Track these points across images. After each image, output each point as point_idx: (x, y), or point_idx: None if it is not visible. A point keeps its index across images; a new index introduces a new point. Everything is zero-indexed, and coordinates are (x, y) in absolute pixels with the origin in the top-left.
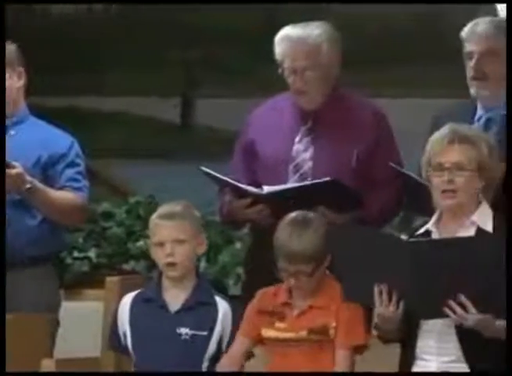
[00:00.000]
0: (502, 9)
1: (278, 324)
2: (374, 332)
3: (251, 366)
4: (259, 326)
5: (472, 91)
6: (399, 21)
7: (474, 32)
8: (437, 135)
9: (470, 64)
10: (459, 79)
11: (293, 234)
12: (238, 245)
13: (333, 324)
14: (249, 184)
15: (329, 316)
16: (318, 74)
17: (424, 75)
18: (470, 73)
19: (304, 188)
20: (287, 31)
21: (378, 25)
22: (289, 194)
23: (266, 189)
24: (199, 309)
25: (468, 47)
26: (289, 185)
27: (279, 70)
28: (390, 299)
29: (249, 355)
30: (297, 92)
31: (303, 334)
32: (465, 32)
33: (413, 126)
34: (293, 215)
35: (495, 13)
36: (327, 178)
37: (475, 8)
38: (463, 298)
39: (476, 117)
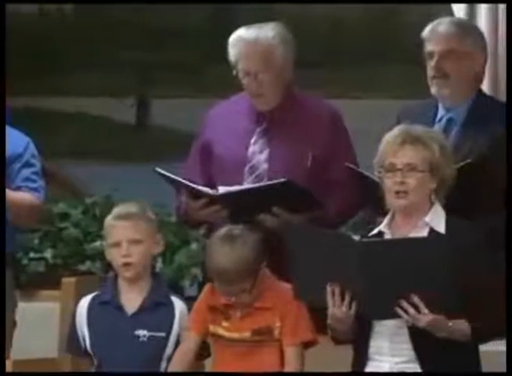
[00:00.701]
0: (457, 8)
1: (224, 323)
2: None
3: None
4: (208, 321)
5: (433, 90)
6: (353, 22)
7: (435, 32)
8: (389, 135)
9: (431, 64)
10: (413, 79)
11: (222, 255)
12: (194, 246)
13: (278, 324)
14: (205, 185)
15: (273, 317)
16: (272, 76)
17: (379, 75)
18: (430, 72)
19: (259, 189)
20: (241, 33)
21: (331, 26)
22: (244, 195)
23: (221, 189)
24: (155, 310)
25: (429, 47)
26: (244, 186)
27: (234, 72)
28: (342, 300)
29: (206, 354)
30: (252, 94)
31: (246, 335)
32: (426, 32)
33: (370, 126)
34: (219, 233)
35: (450, 13)
36: (281, 180)
37: (429, 8)
38: (415, 299)
39: (437, 118)
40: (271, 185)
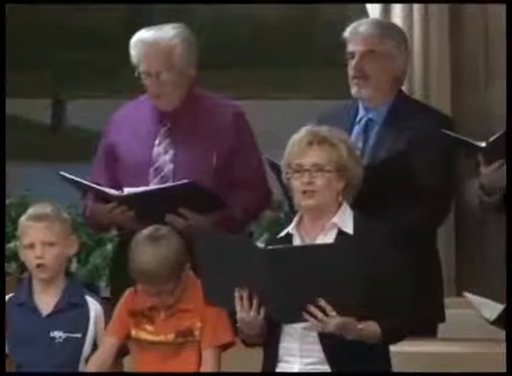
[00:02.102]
0: (372, 8)
1: (147, 326)
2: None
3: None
4: (129, 326)
5: (353, 91)
6: (271, 22)
7: (356, 32)
8: (296, 136)
9: (352, 64)
10: (332, 80)
11: (147, 255)
12: (109, 247)
13: (198, 325)
14: (110, 187)
15: (195, 318)
16: (173, 76)
17: (297, 76)
18: (351, 73)
19: (164, 190)
20: (141, 34)
21: (248, 26)
22: (150, 196)
23: (126, 190)
24: (71, 311)
25: (350, 47)
26: (148, 187)
27: (136, 73)
28: (251, 304)
29: (124, 353)
30: (153, 95)
31: (171, 337)
32: (347, 32)
33: (288, 127)
34: (143, 233)
35: (366, 15)
36: (186, 180)
37: (345, 8)
38: (322, 303)
39: (357, 119)
40: (175, 186)
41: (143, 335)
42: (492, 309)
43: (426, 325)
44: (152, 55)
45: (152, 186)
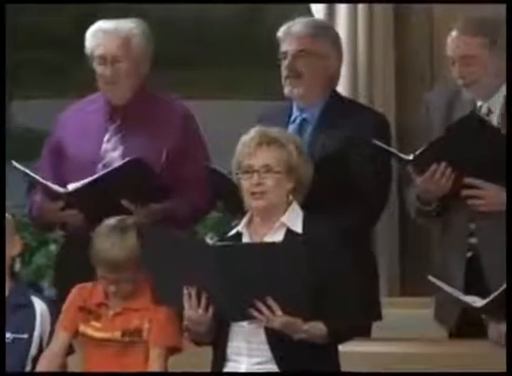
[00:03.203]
0: (316, 9)
1: (94, 323)
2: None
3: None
4: (78, 321)
5: (286, 90)
6: (215, 23)
7: (289, 32)
8: (245, 137)
9: (285, 64)
10: (273, 80)
11: (112, 243)
12: (53, 247)
13: (147, 326)
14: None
15: (144, 318)
16: (128, 66)
17: (239, 76)
18: (284, 72)
19: (108, 177)
20: (100, 24)
21: (193, 27)
22: (94, 188)
23: (71, 186)
24: (17, 312)
25: (283, 47)
26: (91, 177)
27: (90, 62)
28: (199, 302)
29: (69, 351)
30: (106, 83)
31: (117, 335)
32: (281, 32)
33: (230, 127)
34: (109, 222)
35: (310, 14)
36: (128, 158)
37: (291, 8)
38: (270, 301)
39: (292, 119)
40: (119, 168)
41: (90, 331)
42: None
43: (366, 325)
44: (110, 40)
45: (95, 176)
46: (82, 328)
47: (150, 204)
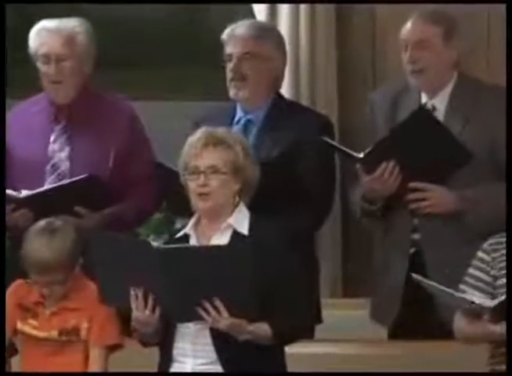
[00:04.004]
0: (258, 10)
1: (31, 321)
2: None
3: None
4: (15, 318)
5: (231, 93)
6: (158, 23)
7: (234, 34)
8: (192, 138)
9: (230, 66)
10: (216, 81)
11: (41, 245)
12: None
13: (85, 325)
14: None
15: (82, 317)
16: (72, 65)
17: (181, 77)
18: (229, 75)
19: (63, 187)
20: (43, 24)
21: (136, 27)
22: (48, 196)
23: (24, 193)
24: None
25: (228, 49)
26: (46, 187)
27: (34, 62)
28: (146, 303)
29: (12, 352)
30: (50, 81)
31: (54, 334)
32: (225, 34)
33: (174, 127)
34: (39, 224)
35: (252, 16)
36: (85, 175)
37: (233, 9)
38: (216, 302)
39: (235, 120)
40: (74, 182)
41: (28, 329)
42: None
43: (310, 326)
44: (54, 39)
45: (50, 185)
46: (20, 326)
47: (103, 209)
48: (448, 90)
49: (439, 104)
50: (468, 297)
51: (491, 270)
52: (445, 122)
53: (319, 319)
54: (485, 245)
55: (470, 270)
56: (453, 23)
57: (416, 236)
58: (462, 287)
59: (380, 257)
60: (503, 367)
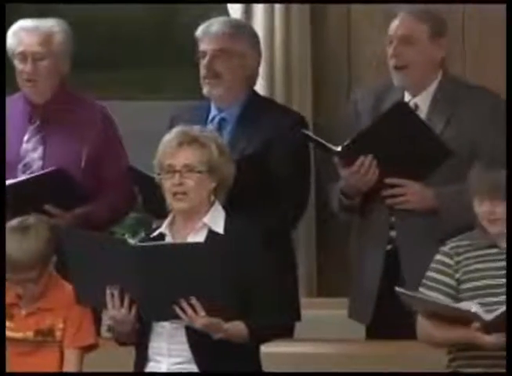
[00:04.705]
0: (233, 10)
1: (8, 323)
2: (107, 334)
3: None
4: None
5: (205, 90)
6: (133, 23)
7: (207, 32)
8: (167, 137)
9: (203, 63)
10: (191, 80)
11: (14, 243)
12: None
13: (60, 325)
14: None
15: (57, 317)
16: (48, 64)
17: (156, 76)
18: (203, 72)
19: (29, 183)
20: (21, 23)
21: (108, 27)
22: (17, 191)
23: None
24: None
25: (202, 46)
26: (15, 179)
27: (11, 62)
28: (122, 302)
29: None
30: (26, 79)
31: (30, 334)
32: (199, 32)
33: (147, 128)
34: (12, 222)
35: (227, 14)
36: (53, 168)
37: (208, 8)
38: (193, 301)
39: (210, 118)
40: (42, 175)
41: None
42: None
43: (287, 325)
44: (31, 38)
45: (18, 178)
46: None
47: (74, 208)
48: (431, 89)
49: (422, 103)
50: (463, 306)
51: (455, 274)
52: (426, 121)
53: (298, 318)
54: (446, 248)
55: (430, 273)
56: (441, 23)
57: (393, 233)
58: (422, 289)
59: (356, 254)
60: (467, 370)
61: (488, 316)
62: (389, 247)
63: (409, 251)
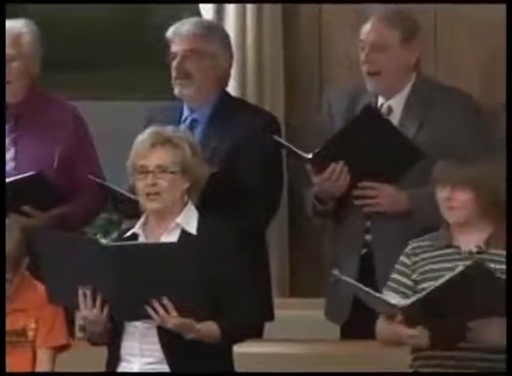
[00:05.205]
0: (205, 10)
1: None
2: (79, 334)
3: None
4: None
5: (176, 91)
6: (102, 23)
7: (178, 32)
8: (140, 138)
9: (174, 64)
10: (163, 81)
11: None
12: None
13: (33, 325)
14: None
15: (29, 318)
16: (19, 65)
17: (128, 77)
18: (174, 73)
19: (10, 185)
20: None
21: (79, 28)
22: None
23: None
24: None
25: (173, 47)
26: None
27: None
28: (95, 302)
29: None
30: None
31: None
32: (170, 32)
33: (118, 128)
34: None
35: (198, 14)
36: (32, 172)
37: (180, 8)
38: (165, 301)
39: (182, 119)
40: (20, 180)
41: None
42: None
43: (258, 325)
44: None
45: None
46: None
47: (51, 209)
48: (405, 92)
49: (395, 106)
50: (386, 297)
51: (412, 274)
52: (400, 124)
53: (271, 317)
54: (407, 249)
55: (394, 275)
56: (413, 25)
57: (368, 237)
58: (385, 291)
59: (331, 257)
60: (426, 370)
61: (402, 302)
62: (364, 251)
63: (383, 254)
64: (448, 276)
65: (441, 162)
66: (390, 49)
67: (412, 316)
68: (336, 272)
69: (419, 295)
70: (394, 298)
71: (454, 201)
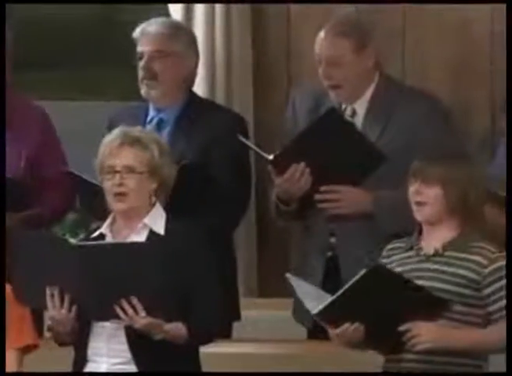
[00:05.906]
0: (174, 11)
1: None
2: (48, 334)
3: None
4: None
5: (143, 91)
6: (69, 23)
7: (145, 33)
8: (108, 138)
9: (141, 64)
10: (129, 81)
11: None
12: None
13: None
14: None
15: None
16: None
17: (94, 77)
18: (140, 73)
19: None
20: None
21: (46, 26)
22: None
23: None
24: None
25: (139, 47)
26: None
27: None
28: (62, 302)
29: None
30: None
31: None
32: (137, 33)
33: (84, 128)
34: None
35: (167, 14)
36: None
37: (149, 9)
38: (134, 301)
39: (148, 119)
40: None
41: None
42: (318, 300)
43: (226, 325)
44: None
45: None
46: None
47: (22, 210)
48: (368, 94)
49: (359, 108)
50: (305, 302)
51: None
52: (363, 126)
53: (238, 317)
54: (384, 250)
55: None
56: (365, 32)
57: (333, 239)
58: None
59: (297, 258)
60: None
61: (317, 308)
62: (329, 253)
63: (346, 256)
64: (353, 279)
65: (416, 160)
66: (345, 62)
67: (330, 319)
68: (289, 275)
69: (331, 299)
70: (310, 303)
71: (422, 196)
